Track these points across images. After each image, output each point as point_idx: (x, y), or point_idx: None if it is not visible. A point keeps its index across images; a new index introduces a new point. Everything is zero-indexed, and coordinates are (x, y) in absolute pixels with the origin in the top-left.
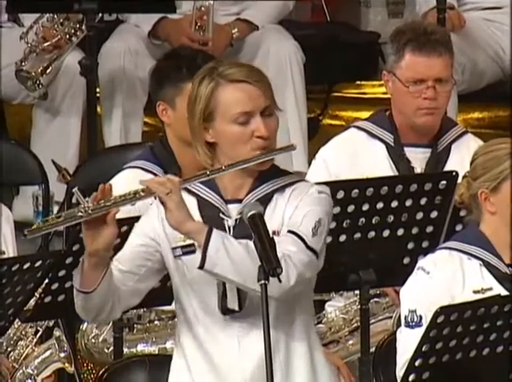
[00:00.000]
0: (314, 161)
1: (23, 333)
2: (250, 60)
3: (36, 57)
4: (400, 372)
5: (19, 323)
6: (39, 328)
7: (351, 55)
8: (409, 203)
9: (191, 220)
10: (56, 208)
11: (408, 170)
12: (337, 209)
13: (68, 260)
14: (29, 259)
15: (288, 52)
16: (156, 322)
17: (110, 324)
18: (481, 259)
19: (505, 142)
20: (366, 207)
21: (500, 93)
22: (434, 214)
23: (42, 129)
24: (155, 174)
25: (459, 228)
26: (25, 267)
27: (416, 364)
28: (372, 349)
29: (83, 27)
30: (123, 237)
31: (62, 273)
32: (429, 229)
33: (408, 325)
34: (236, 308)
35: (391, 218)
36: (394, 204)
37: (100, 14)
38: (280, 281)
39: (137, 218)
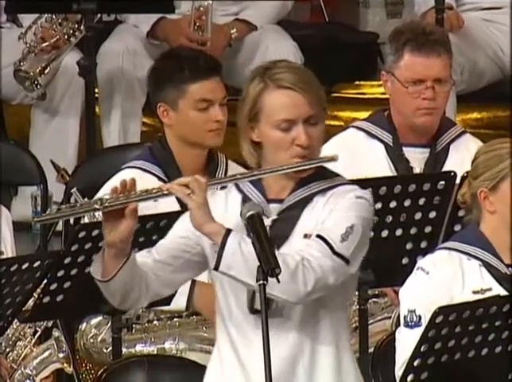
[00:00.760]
0: None
1: (22, 333)
2: (248, 61)
3: (34, 57)
4: (399, 372)
5: (18, 323)
6: (38, 328)
7: (350, 55)
8: (407, 203)
9: (211, 221)
10: (54, 209)
11: (407, 170)
12: None
13: (67, 260)
14: (27, 259)
15: (286, 52)
16: (155, 322)
17: (109, 324)
18: (480, 259)
19: (507, 141)
20: None
21: (499, 93)
22: (433, 214)
23: (41, 129)
24: (154, 174)
25: (457, 228)
26: (24, 267)
27: (415, 364)
28: (371, 349)
29: (82, 27)
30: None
31: (61, 273)
32: (428, 229)
33: (407, 325)
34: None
35: (390, 218)
36: (393, 204)
37: (99, 15)
38: (278, 281)
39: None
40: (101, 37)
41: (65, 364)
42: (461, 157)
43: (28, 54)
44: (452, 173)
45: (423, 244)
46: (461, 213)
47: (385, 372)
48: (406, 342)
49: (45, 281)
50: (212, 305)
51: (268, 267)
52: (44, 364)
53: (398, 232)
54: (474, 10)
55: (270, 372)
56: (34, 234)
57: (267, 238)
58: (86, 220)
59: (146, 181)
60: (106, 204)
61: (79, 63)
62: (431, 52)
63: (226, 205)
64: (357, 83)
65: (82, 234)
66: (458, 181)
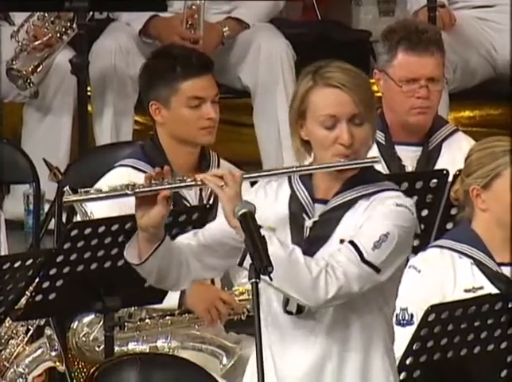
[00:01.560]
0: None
1: (14, 331)
2: (240, 59)
3: (27, 56)
4: None
5: (10, 322)
6: (30, 327)
7: (342, 53)
8: None
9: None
10: (46, 207)
11: (399, 169)
12: None
13: (59, 259)
14: (19, 257)
15: (279, 50)
16: (147, 321)
17: (101, 322)
18: (472, 257)
19: (500, 140)
20: None
21: (491, 92)
22: (425, 212)
23: (33, 127)
24: (146, 173)
25: (449, 226)
26: (16, 265)
27: (407, 362)
28: None
29: (74, 25)
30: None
31: (53, 271)
32: (420, 228)
33: (399, 324)
34: (294, 311)
35: None
36: None
37: (91, 13)
38: (271, 279)
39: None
40: (93, 35)
41: (57, 363)
42: (453, 155)
43: (20, 52)
44: (445, 172)
45: (415, 242)
46: (453, 211)
47: None
48: (398, 340)
49: (38, 279)
50: (205, 303)
51: (260, 265)
52: (36, 362)
53: None
54: (466, 8)
55: (262, 372)
56: (26, 232)
57: (260, 236)
58: (78, 218)
59: (138, 178)
60: (137, 190)
61: (71, 61)
62: (425, 51)
63: (276, 197)
64: None
65: (74, 232)
66: (450, 179)
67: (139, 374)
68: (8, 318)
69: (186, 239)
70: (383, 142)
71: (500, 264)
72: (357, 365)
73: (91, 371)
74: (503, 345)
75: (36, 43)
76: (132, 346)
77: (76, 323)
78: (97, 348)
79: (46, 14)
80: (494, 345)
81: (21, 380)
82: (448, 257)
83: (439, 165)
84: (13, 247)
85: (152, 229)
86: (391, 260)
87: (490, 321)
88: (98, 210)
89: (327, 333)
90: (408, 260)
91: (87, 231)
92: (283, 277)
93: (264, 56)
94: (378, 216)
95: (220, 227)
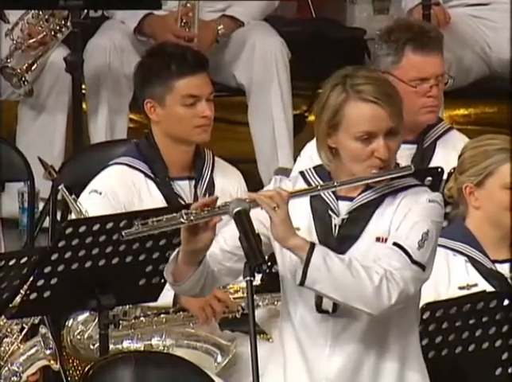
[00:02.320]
0: (299, 158)
1: (8, 330)
2: (235, 57)
3: (21, 54)
4: None
5: (4, 320)
6: (24, 325)
7: (337, 51)
8: None
9: (294, 235)
10: (41, 205)
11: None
12: None
13: (54, 257)
14: (14, 255)
15: (273, 48)
16: (141, 319)
17: (96, 321)
18: (466, 255)
19: (494, 138)
20: None
21: (486, 90)
22: None
23: (28, 125)
24: (140, 171)
25: (444, 224)
26: (11, 263)
27: None
28: None
29: (69, 23)
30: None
31: (47, 269)
32: None
33: None
34: (330, 309)
35: None
36: None
37: (85, 11)
38: (262, 278)
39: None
40: (88, 33)
41: (52, 361)
42: (448, 153)
43: (15, 51)
44: (439, 169)
45: None
46: (448, 209)
47: None
48: None
49: (32, 277)
50: (199, 301)
51: (255, 263)
52: (30, 360)
53: None
54: (460, 6)
55: (257, 372)
56: (21, 230)
57: (254, 234)
58: (73, 216)
59: (132, 177)
60: (192, 218)
61: (66, 59)
62: (433, 50)
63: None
64: None
65: (69, 230)
66: (445, 177)
67: (134, 372)
68: (2, 316)
69: None
70: None
71: (494, 261)
72: (395, 365)
73: (86, 369)
74: (498, 343)
75: (31, 41)
76: (127, 344)
77: (71, 321)
78: (92, 347)
79: (40, 12)
80: (488, 343)
81: (15, 378)
82: (442, 255)
83: (433, 163)
84: (7, 245)
85: (198, 254)
86: (431, 256)
87: (484, 319)
88: (93, 208)
89: (365, 331)
90: None
91: (82, 229)
92: (346, 290)
93: (259, 54)
94: (416, 215)
95: (236, 231)
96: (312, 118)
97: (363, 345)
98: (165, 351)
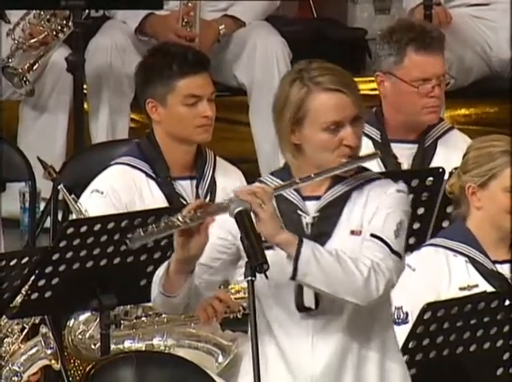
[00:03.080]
0: None
1: (9, 330)
2: (236, 57)
3: (22, 54)
4: None
5: (5, 320)
6: (25, 325)
7: (338, 51)
8: None
9: (282, 230)
10: (42, 205)
11: (395, 166)
12: None
13: (55, 257)
14: (15, 255)
15: (275, 48)
16: (143, 319)
17: (97, 320)
18: (467, 255)
19: (499, 139)
20: None
21: (487, 89)
22: (421, 210)
23: (29, 125)
24: (142, 171)
25: (445, 224)
26: (12, 263)
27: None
28: None
29: (70, 23)
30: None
31: (49, 269)
32: (416, 226)
33: (394, 322)
34: (313, 306)
35: None
36: None
37: (87, 11)
38: (266, 277)
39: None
40: (89, 33)
41: (53, 361)
42: (449, 152)
43: (16, 50)
44: (441, 170)
45: (411, 241)
46: (449, 209)
47: None
48: None
49: (33, 277)
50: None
51: (256, 263)
52: (31, 360)
53: None
54: (462, 6)
55: (258, 370)
56: (22, 230)
57: (255, 234)
58: (74, 216)
59: (134, 177)
60: (188, 221)
61: (67, 59)
62: (435, 51)
63: None
64: None
65: (70, 230)
66: (446, 177)
67: (135, 372)
68: (3, 316)
69: None
70: (379, 140)
71: (495, 262)
72: (376, 364)
73: (87, 369)
74: (499, 343)
75: (32, 41)
76: (128, 344)
77: (72, 321)
78: (93, 346)
79: (42, 12)
80: (490, 343)
81: (16, 378)
82: (443, 255)
83: (434, 163)
84: (8, 245)
85: (192, 259)
86: (404, 245)
87: (486, 319)
88: (94, 208)
89: (346, 329)
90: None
91: (83, 229)
92: (336, 282)
93: (260, 54)
94: (387, 206)
95: (212, 242)
96: None
97: (346, 340)
98: (167, 351)
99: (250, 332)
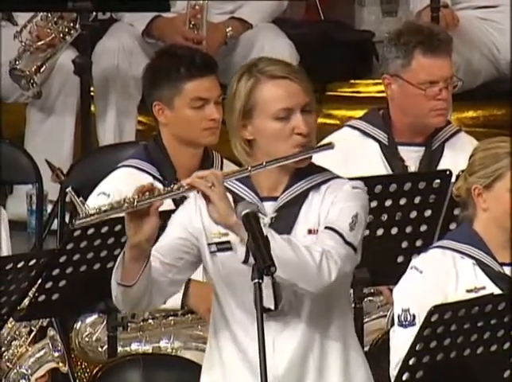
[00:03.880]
0: None
1: (17, 332)
2: (243, 59)
3: (30, 56)
4: (394, 371)
5: (13, 322)
6: (33, 327)
7: (345, 53)
8: (403, 202)
9: (234, 213)
10: (49, 207)
11: (402, 169)
12: None
13: (62, 259)
14: (23, 257)
15: (282, 50)
16: (150, 321)
17: (104, 323)
18: (474, 257)
19: (506, 140)
20: None
21: (494, 92)
22: (428, 213)
23: (36, 128)
24: (149, 173)
25: (453, 226)
26: (19, 265)
27: (410, 363)
28: (366, 348)
29: (77, 26)
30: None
31: (56, 272)
32: (423, 228)
33: (401, 325)
34: (272, 307)
35: (385, 217)
36: (388, 202)
37: (94, 13)
38: (273, 279)
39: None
40: (96, 35)
41: (60, 364)
42: (456, 155)
43: (23, 53)
44: (448, 172)
45: (418, 243)
46: (457, 212)
47: (381, 371)
48: (400, 341)
49: (41, 280)
50: (207, 303)
51: (264, 266)
52: (39, 363)
53: (394, 231)
54: (469, 9)
55: (265, 369)
56: (29, 233)
57: (262, 236)
58: None
59: (141, 179)
60: (135, 204)
61: (74, 61)
62: (443, 53)
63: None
64: (352, 81)
65: (77, 233)
66: (453, 179)
67: (142, 374)
68: (11, 319)
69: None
70: (386, 143)
71: (502, 264)
72: (338, 355)
73: (94, 371)
74: (506, 346)
75: (40, 43)
76: (135, 346)
77: (79, 323)
78: (100, 349)
79: (49, 15)
80: (497, 346)
81: (23, 381)
82: (450, 258)
83: (441, 166)
84: (15, 247)
85: (145, 244)
86: (360, 239)
87: (493, 322)
88: None
89: (308, 324)
90: (410, 261)
91: (90, 231)
92: (289, 266)
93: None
94: (342, 200)
95: (173, 242)
96: (320, 120)
97: (307, 335)
98: (173, 353)
99: (256, 334)
